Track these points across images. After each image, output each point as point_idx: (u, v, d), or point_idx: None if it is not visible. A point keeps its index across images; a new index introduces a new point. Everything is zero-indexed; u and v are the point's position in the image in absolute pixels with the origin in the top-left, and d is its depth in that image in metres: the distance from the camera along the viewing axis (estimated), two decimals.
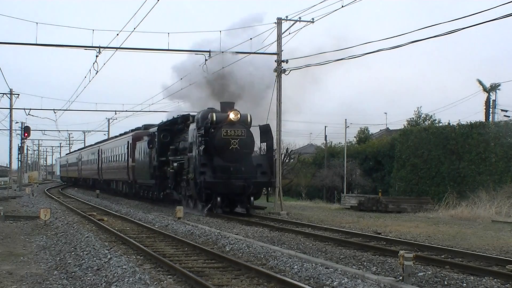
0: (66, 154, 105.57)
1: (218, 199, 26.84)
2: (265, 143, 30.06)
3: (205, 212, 27.07)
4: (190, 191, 28.72)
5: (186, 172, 28.81)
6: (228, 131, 27.25)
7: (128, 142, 43.42)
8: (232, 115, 27.25)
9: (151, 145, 34.92)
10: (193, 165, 27.54)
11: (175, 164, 31.02)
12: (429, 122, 53.06)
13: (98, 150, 58.23)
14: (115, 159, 48.89)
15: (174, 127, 33.70)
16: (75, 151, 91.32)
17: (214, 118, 27.68)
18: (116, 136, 53.55)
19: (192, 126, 28.70)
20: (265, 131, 29.07)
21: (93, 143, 71.63)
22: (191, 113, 33.36)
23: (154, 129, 35.20)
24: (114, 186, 51.84)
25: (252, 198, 27.27)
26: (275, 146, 29.92)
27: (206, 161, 27.14)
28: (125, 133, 48.72)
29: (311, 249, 15.81)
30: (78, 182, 78.97)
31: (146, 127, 41.01)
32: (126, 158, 43.78)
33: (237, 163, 27.11)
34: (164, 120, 39.67)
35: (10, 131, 64.06)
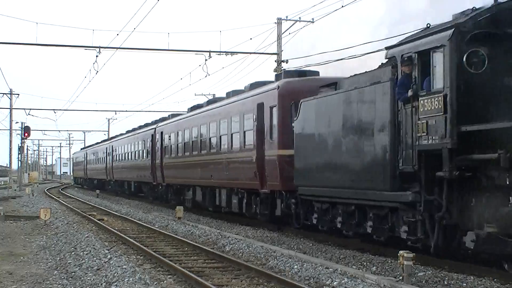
0: (82, 149, 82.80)
1: None
2: None
3: None
4: None
5: None
6: None
7: (257, 105, 20.53)
8: None
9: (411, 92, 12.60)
10: None
11: None
12: None
13: (153, 136, 35.75)
14: (209, 147, 25.52)
15: None
16: (98, 143, 66.78)
17: None
18: (196, 108, 29.56)
19: None
20: None
21: (136, 127, 44.68)
22: None
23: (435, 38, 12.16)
24: (201, 199, 27.20)
25: None
26: None
27: None
28: (224, 97, 25.69)
29: (311, 249, 15.81)
30: (104, 186, 57.33)
31: (300, 73, 20.55)
32: (250, 141, 21.14)
33: None
34: None
35: (10, 131, 64.18)
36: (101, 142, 63.67)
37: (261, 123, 20.17)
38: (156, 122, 37.59)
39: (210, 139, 25.30)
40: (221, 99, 26.02)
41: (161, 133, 33.74)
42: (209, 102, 27.52)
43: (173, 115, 33.91)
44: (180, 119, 30.82)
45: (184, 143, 29.19)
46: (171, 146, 31.77)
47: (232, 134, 22.79)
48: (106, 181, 55.10)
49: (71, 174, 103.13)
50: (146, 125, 40.70)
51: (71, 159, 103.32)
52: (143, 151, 38.30)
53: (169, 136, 32.14)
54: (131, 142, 42.93)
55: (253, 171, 20.48)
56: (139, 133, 40.84)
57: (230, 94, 24.53)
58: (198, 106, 29.18)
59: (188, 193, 29.25)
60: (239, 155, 21.98)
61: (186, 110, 31.32)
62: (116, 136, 53.25)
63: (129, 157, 43.20)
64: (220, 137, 24.07)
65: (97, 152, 60.22)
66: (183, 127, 29.59)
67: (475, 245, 11.48)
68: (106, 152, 53.40)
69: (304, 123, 17.32)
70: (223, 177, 23.43)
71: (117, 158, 48.12)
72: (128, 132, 47.03)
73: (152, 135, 35.72)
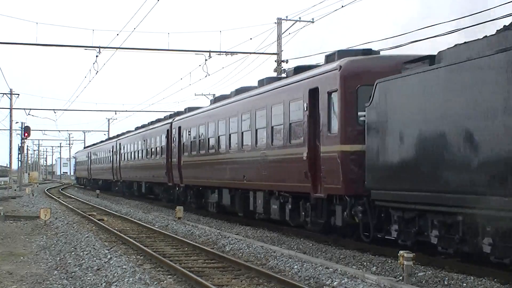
0: (86, 148, 76.65)
1: None
2: None
3: None
4: None
5: None
6: None
7: (310, 91, 16.84)
8: None
9: None
10: None
11: None
12: None
13: (168, 132, 31.99)
14: (241, 143, 21.97)
15: None
16: (103, 141, 62.42)
17: None
18: (221, 98, 25.94)
19: None
20: None
21: (147, 123, 41.37)
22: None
23: None
24: (229, 203, 23.52)
25: None
26: None
27: None
28: (255, 86, 22.24)
29: (311, 249, 15.81)
30: (110, 187, 54.26)
31: (365, 51, 16.83)
32: (299, 135, 17.62)
33: None
34: None
35: (10, 131, 64.22)
36: (107, 140, 59.14)
37: (315, 112, 16.46)
38: (171, 116, 33.68)
39: (242, 133, 21.59)
40: (251, 88, 22.46)
41: (179, 128, 29.94)
42: (239, 92, 23.44)
43: (191, 109, 30.50)
44: (202, 112, 27.02)
45: (208, 138, 25.44)
46: (191, 142, 27.98)
47: (273, 127, 19.05)
48: (113, 182, 51.11)
49: (72, 174, 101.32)
50: (159, 120, 37.36)
51: (74, 159, 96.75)
52: (156, 148, 34.50)
53: (189, 132, 28.33)
54: (141, 139, 38.74)
55: (303, 171, 16.78)
56: (151, 129, 36.78)
57: (264, 82, 21.10)
58: (224, 97, 25.45)
59: (212, 195, 25.70)
60: (284, 152, 18.27)
61: (209, 102, 27.36)
62: (124, 133, 48.71)
63: (140, 156, 39.15)
64: (256, 131, 20.32)
65: (102, 150, 56.19)
66: (206, 120, 25.81)
67: None
68: (112, 151, 49.53)
69: (382, 110, 13.80)
70: (261, 178, 19.82)
71: (126, 157, 44.14)
72: (137, 128, 42.94)
73: (168, 131, 31.85)
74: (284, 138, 18.34)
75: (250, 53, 31.83)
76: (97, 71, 32.05)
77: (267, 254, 14.91)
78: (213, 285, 10.98)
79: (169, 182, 31.48)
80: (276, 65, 31.41)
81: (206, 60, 31.10)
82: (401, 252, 11.16)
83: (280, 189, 18.71)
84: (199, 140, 26.77)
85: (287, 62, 31.37)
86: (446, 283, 11.21)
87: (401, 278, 11.27)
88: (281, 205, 18.80)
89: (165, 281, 11.79)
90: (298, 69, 18.83)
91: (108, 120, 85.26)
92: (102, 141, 62.85)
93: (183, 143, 29.23)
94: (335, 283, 11.22)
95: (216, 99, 26.80)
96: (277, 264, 13.56)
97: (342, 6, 23.25)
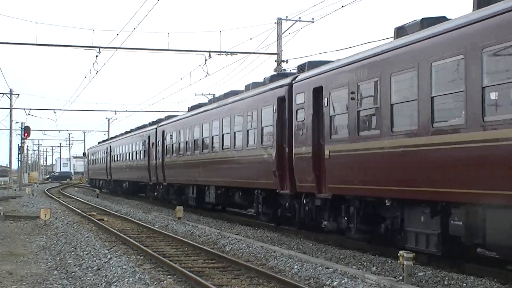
0: (102, 142, 61.69)
1: None
2: None
3: None
4: None
5: None
6: None
7: None
8: None
9: None
10: None
11: None
12: None
13: (282, 103, 18.41)
14: None
15: None
16: (128, 132, 47.48)
17: None
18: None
19: None
20: None
21: (216, 96, 29.52)
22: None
23: None
24: None
25: None
26: None
27: None
28: None
29: (311, 249, 15.81)
30: (142, 191, 42.85)
31: None
32: None
33: None
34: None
35: (10, 131, 64.24)
36: (136, 129, 43.74)
37: None
38: (274, 78, 20.52)
39: None
40: None
41: (316, 91, 16.36)
42: None
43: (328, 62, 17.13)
44: (395, 49, 13.09)
45: (432, 97, 11.75)
46: (358, 112, 14.40)
47: None
48: (149, 185, 38.22)
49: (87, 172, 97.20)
50: (234, 92, 24.72)
51: (86, 155, 78.36)
52: (247, 132, 21.16)
53: (361, 94, 14.32)
54: (206, 122, 25.67)
55: None
56: (231, 102, 23.05)
57: None
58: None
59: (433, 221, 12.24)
60: None
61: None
62: (162, 119, 36.33)
63: (204, 147, 25.92)
64: None
65: (130, 143, 43.15)
66: (418, 64, 12.12)
67: None
68: (148, 142, 36.37)
69: None
70: None
71: (173, 150, 30.95)
72: (193, 108, 29.50)
73: (280, 100, 18.69)
74: None
75: (250, 53, 31.90)
76: (97, 71, 32.13)
77: (267, 254, 14.92)
78: (213, 285, 10.99)
79: (282, 189, 18.52)
80: (276, 65, 31.44)
81: (206, 60, 31.16)
82: (401, 252, 11.17)
83: None
84: (392, 106, 13.05)
85: (287, 62, 31.42)
86: (446, 283, 11.22)
87: (401, 278, 11.27)
88: None
89: (165, 281, 11.79)
90: None
91: (108, 120, 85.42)
92: (127, 132, 47.74)
93: (332, 118, 15.62)
94: (335, 283, 11.22)
95: (399, 31, 13.66)
96: (277, 264, 13.56)
97: (342, 6, 23.29)
